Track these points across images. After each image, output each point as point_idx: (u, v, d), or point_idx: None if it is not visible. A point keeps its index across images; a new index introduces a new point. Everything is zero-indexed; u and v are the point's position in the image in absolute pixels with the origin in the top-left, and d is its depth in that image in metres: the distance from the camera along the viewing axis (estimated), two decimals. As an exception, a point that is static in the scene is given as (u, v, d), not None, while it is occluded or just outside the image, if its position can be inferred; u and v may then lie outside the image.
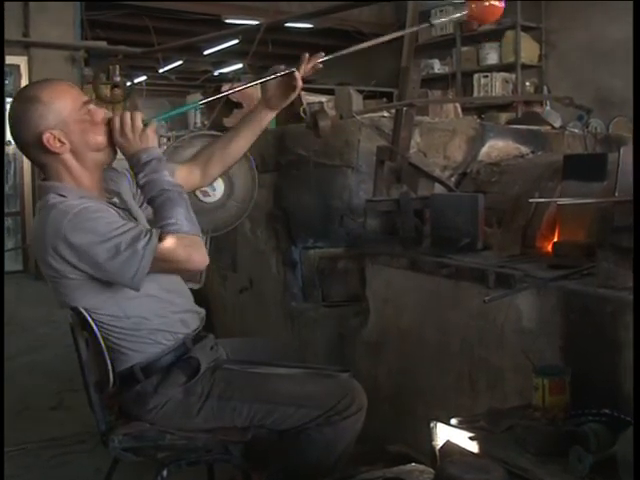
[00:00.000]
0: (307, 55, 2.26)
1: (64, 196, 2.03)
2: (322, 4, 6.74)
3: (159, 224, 2.00)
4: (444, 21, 2.47)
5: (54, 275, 2.03)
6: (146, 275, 1.96)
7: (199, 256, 2.01)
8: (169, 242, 1.96)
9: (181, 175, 2.34)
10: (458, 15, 2.39)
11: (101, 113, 2.12)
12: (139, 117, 2.09)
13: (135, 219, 2.21)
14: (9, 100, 10.22)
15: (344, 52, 2.37)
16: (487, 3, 2.32)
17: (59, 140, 2.04)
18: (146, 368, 2.14)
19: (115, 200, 2.21)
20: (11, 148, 10.02)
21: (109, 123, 2.10)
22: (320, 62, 2.29)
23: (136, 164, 2.08)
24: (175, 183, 2.09)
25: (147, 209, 2.30)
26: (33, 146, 2.06)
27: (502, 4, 2.34)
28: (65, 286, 2.05)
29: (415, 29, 2.68)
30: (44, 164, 2.11)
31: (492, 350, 2.51)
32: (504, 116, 7.24)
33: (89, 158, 2.10)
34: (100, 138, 2.10)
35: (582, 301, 2.17)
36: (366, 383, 2.33)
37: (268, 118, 2.43)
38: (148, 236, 1.95)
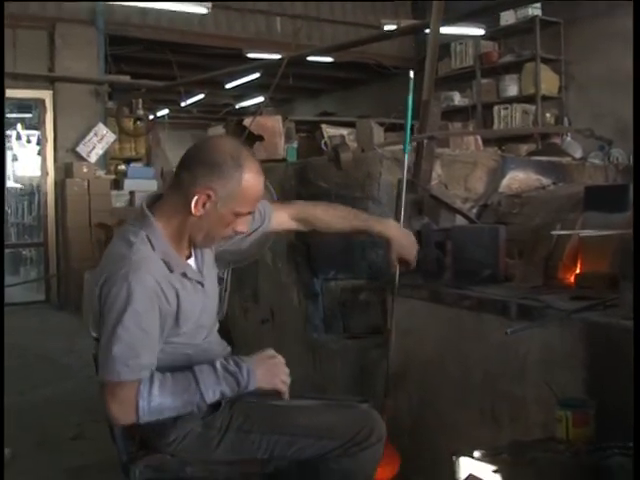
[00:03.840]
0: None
1: (152, 244, 2.03)
2: (342, 37, 6.80)
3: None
4: None
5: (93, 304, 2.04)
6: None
7: (123, 417, 1.98)
8: (118, 388, 1.95)
9: (282, 218, 2.52)
10: None
11: (244, 226, 2.15)
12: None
13: (202, 285, 2.18)
14: (34, 132, 10.39)
15: None
16: None
17: (204, 205, 2.01)
18: (167, 402, 2.13)
19: (191, 262, 2.18)
20: (35, 180, 10.17)
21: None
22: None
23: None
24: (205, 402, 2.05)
25: (244, 240, 2.40)
26: (188, 184, 2.02)
27: None
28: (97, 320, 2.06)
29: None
30: (177, 195, 2.07)
31: (514, 382, 2.49)
32: (524, 148, 7.23)
33: (200, 236, 2.10)
34: (218, 236, 2.13)
35: (605, 333, 2.15)
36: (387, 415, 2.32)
37: (368, 232, 2.67)
38: (125, 366, 1.93)
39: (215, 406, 2.13)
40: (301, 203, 2.69)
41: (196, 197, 2.00)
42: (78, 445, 4.00)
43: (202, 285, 2.18)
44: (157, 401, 1.95)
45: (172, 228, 2.08)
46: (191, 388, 1.99)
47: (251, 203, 2.09)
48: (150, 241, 2.03)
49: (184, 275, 2.11)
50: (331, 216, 2.57)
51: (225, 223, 2.08)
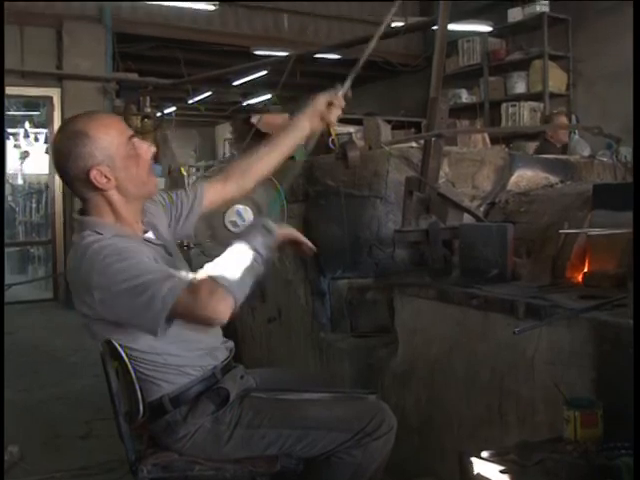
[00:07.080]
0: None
1: (100, 233, 2.03)
2: (349, 35, 6.78)
3: (210, 263, 1.97)
4: None
5: (89, 314, 2.04)
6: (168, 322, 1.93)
7: (222, 307, 1.89)
8: (195, 288, 1.89)
9: (215, 189, 2.39)
10: None
11: (145, 147, 2.13)
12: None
13: (170, 254, 2.21)
14: (42, 130, 10.42)
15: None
16: None
17: (105, 176, 2.04)
18: (175, 399, 2.14)
19: (150, 235, 2.21)
20: (43, 178, 10.19)
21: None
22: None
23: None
24: (262, 257, 2.04)
25: (184, 227, 2.37)
26: (79, 181, 2.06)
27: None
28: (98, 323, 2.06)
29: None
30: (87, 198, 2.11)
31: (522, 382, 2.48)
32: (532, 145, 7.22)
33: (133, 193, 2.11)
34: (145, 172, 2.12)
35: (614, 332, 2.14)
36: (394, 414, 2.32)
37: (304, 134, 2.48)
38: (173, 281, 1.90)
39: (224, 401, 2.14)
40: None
41: (94, 178, 2.03)
42: (87, 443, 4.01)
43: (166, 249, 2.20)
44: (229, 274, 1.93)
45: (109, 214, 2.10)
46: (244, 250, 2.00)
47: (120, 136, 2.07)
48: (97, 232, 2.04)
49: (146, 239, 2.15)
50: (263, 153, 2.47)
51: (133, 163, 2.09)
